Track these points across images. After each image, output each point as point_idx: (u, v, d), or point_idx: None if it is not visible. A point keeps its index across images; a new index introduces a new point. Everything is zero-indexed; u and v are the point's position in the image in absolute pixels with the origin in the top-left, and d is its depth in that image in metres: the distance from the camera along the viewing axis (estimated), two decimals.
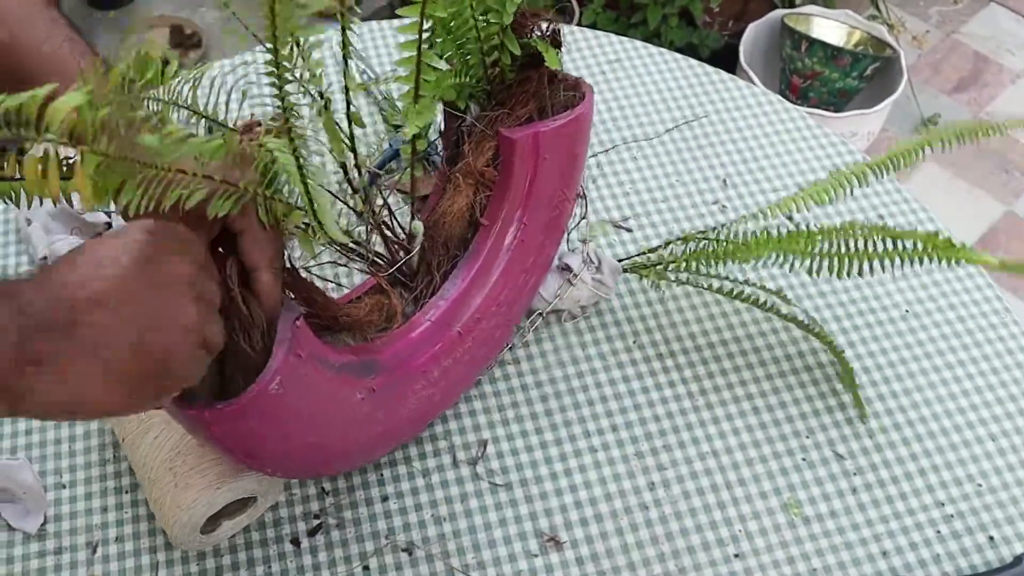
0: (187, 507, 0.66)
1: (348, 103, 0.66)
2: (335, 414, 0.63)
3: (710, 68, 1.03)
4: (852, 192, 0.70)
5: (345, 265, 0.78)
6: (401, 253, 0.71)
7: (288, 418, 0.59)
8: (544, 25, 0.70)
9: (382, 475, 0.75)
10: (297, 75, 0.56)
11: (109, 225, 0.86)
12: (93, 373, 0.48)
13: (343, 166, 0.69)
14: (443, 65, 0.65)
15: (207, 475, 0.66)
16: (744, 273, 0.86)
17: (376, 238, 0.71)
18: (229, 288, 0.55)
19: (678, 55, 1.04)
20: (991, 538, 0.73)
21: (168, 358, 0.50)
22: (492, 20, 0.67)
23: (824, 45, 1.72)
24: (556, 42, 0.71)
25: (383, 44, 1.05)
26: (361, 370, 0.64)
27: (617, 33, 1.08)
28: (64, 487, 0.75)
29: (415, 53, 0.63)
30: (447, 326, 0.69)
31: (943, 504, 0.75)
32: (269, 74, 0.53)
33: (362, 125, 0.67)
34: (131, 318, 0.49)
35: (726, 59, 1.84)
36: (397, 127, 0.95)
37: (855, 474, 0.76)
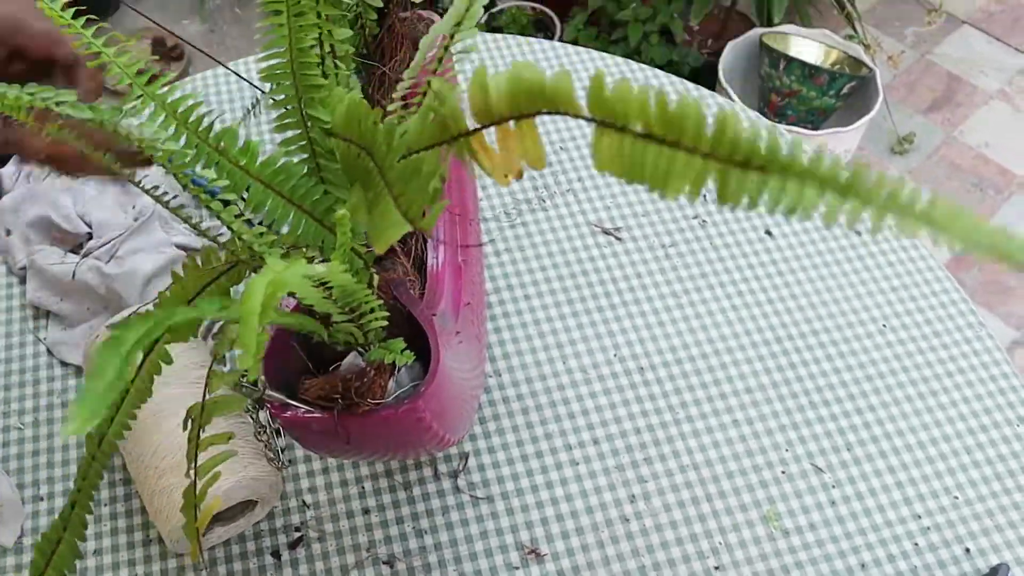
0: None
1: None
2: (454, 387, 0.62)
3: (690, 84, 1.04)
4: None
5: None
6: None
7: (445, 393, 0.59)
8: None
9: (363, 488, 0.75)
10: None
11: (90, 236, 0.85)
12: None
13: None
14: None
15: (228, 468, 0.66)
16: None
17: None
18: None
19: (659, 71, 1.05)
20: (967, 550, 0.74)
21: None
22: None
23: (802, 64, 1.74)
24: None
25: None
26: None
27: (598, 50, 1.09)
28: (42, 499, 0.74)
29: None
30: None
31: (920, 516, 0.76)
32: None
33: None
34: None
35: (706, 77, 1.86)
36: None
37: (833, 487, 0.77)
